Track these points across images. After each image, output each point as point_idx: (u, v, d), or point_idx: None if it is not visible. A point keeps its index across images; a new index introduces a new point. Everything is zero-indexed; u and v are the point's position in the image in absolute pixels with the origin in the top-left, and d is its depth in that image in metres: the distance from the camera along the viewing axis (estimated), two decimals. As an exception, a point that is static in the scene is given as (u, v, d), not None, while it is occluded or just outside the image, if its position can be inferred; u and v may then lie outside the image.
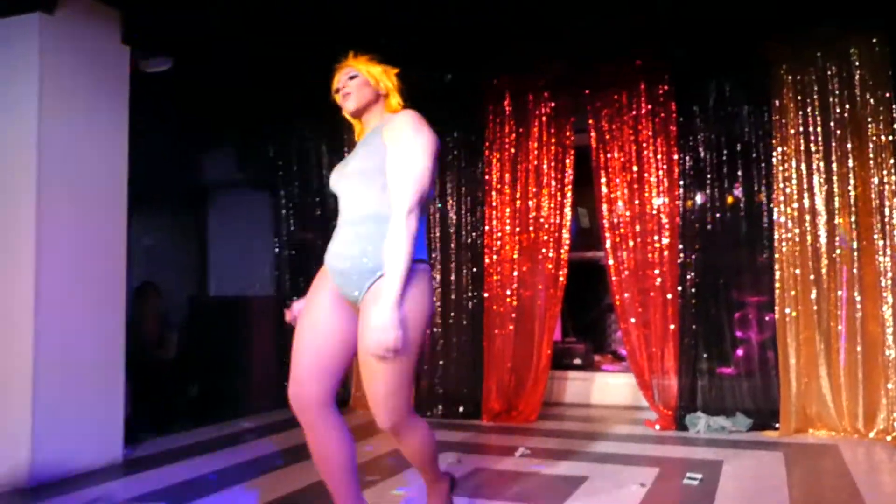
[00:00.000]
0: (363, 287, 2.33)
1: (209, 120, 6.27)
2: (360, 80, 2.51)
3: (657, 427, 4.96)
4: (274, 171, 6.41)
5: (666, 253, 5.12)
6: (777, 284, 4.81)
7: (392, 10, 4.39)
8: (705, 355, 5.06)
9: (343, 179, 2.46)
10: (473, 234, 5.59)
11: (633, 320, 5.17)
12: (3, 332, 3.74)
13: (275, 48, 4.88)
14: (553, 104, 5.44)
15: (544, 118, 5.44)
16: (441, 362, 5.61)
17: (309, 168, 6.28)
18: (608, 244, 5.26)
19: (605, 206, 5.28)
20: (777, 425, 4.74)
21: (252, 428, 5.14)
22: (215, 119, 6.26)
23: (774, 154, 4.88)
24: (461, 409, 5.48)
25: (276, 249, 6.39)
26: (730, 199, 5.12)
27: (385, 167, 2.34)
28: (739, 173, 5.05)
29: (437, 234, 5.68)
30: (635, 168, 5.23)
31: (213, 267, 7.06)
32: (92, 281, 3.99)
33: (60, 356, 3.78)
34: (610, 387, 6.07)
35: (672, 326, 5.06)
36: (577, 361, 6.37)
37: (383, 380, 2.28)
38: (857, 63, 4.68)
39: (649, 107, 5.19)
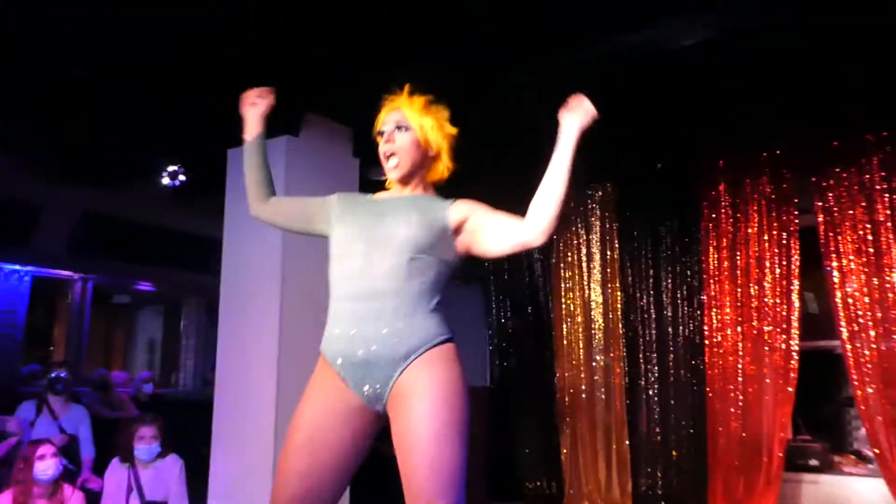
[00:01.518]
0: (391, 378, 1.90)
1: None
2: (410, 140, 2.08)
3: (920, 544, 4.35)
4: (484, 264, 6.61)
5: (917, 342, 4.60)
6: None
7: (607, 101, 4.46)
8: (976, 460, 4.41)
9: (369, 244, 1.98)
10: (691, 325, 5.35)
11: (880, 418, 4.64)
12: (249, 427, 4.12)
13: (481, 149, 5.13)
14: (773, 186, 5.17)
15: (764, 201, 5.18)
16: (660, 462, 5.35)
17: (517, 260, 6.40)
18: (844, 333, 4.82)
19: (837, 293, 4.88)
20: None
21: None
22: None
23: None
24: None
25: (488, 340, 6.52)
26: None
27: (437, 245, 1.98)
28: None
29: (652, 328, 5.51)
30: (871, 249, 4.81)
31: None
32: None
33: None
34: (855, 493, 5.42)
35: (930, 426, 4.49)
36: (814, 462, 5.79)
37: (444, 467, 1.80)
38: None
39: (885, 184, 4.78)
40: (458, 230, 2.03)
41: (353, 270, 1.99)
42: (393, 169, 2.10)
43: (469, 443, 1.87)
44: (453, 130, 2.17)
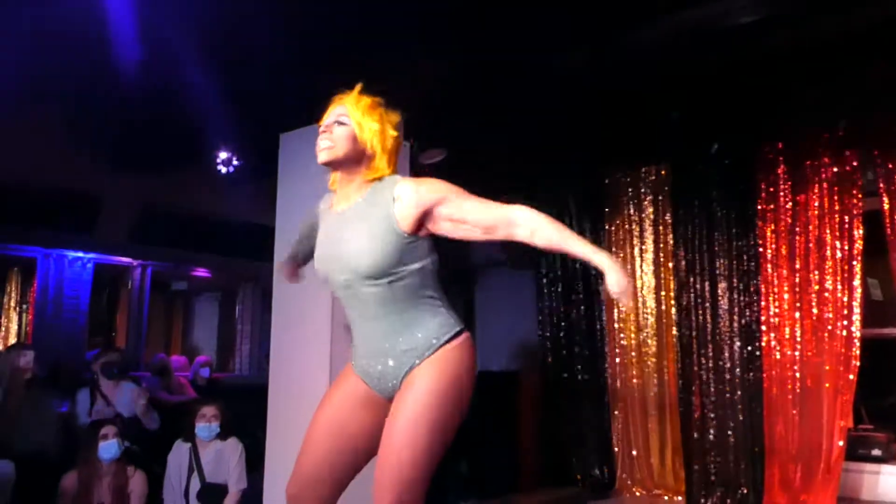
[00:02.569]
0: (402, 373, 2.12)
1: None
2: (346, 132, 2.14)
3: None
4: (536, 251, 6.55)
5: None
6: None
7: (658, 83, 4.40)
8: None
9: (345, 274, 2.13)
10: (747, 311, 5.22)
11: (947, 408, 4.49)
12: (304, 411, 4.12)
13: (535, 134, 5.09)
14: (835, 168, 5.00)
15: (825, 183, 5.01)
16: (714, 449, 5.25)
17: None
18: (910, 320, 4.66)
19: (903, 278, 4.72)
20: None
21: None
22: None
23: None
24: (740, 494, 5.05)
25: (539, 326, 6.48)
26: None
27: (402, 257, 2.09)
28: None
29: (707, 312, 5.40)
30: (940, 233, 4.63)
31: (480, 343, 7.30)
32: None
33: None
34: (921, 484, 5.26)
35: None
36: (877, 452, 5.62)
37: (406, 460, 1.98)
38: None
39: (955, 164, 4.60)
40: (420, 223, 2.10)
41: (346, 297, 2.18)
42: (322, 151, 2.15)
43: (447, 445, 2.07)
44: (395, 134, 2.21)
